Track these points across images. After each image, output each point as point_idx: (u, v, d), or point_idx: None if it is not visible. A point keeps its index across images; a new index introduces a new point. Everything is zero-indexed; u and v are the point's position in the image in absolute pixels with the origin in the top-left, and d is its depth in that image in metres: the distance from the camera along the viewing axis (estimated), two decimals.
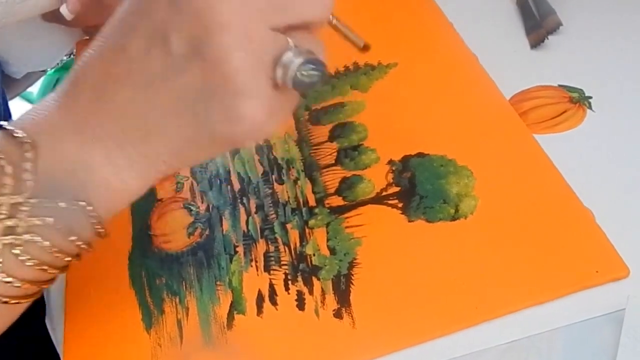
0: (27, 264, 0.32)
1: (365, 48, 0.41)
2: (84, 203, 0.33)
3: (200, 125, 0.32)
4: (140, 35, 0.31)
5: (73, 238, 0.33)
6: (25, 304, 0.35)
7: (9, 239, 0.32)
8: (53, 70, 0.74)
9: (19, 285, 0.33)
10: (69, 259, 0.34)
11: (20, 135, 0.32)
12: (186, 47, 0.30)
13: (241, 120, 0.31)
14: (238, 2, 0.29)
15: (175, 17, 0.30)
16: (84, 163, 0.33)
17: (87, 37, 0.65)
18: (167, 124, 0.32)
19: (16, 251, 0.32)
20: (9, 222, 0.32)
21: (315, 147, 0.48)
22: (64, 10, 0.49)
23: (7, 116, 0.63)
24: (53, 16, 0.51)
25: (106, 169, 0.33)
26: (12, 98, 0.73)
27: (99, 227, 0.34)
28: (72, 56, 0.67)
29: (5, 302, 0.33)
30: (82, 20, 0.52)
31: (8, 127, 0.33)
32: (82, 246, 0.34)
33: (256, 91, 0.31)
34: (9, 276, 0.32)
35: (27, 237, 0.32)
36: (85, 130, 0.33)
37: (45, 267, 0.33)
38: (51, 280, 0.36)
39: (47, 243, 0.33)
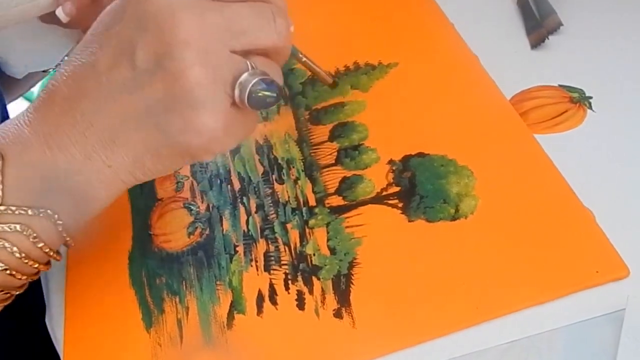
0: None
1: (334, 84, 0.48)
2: (50, 211, 0.35)
3: (161, 137, 0.34)
4: (109, 51, 0.34)
5: (41, 245, 0.35)
6: None
7: None
8: (53, 70, 0.74)
9: None
10: (37, 265, 0.36)
11: None
12: (150, 62, 0.33)
13: (199, 131, 0.33)
14: (198, 23, 0.32)
15: (141, 34, 0.33)
16: (50, 173, 0.35)
17: None
18: (131, 135, 0.34)
19: None
20: None
21: (315, 147, 0.48)
22: (59, 13, 0.49)
23: (5, 118, 0.63)
24: (51, 18, 0.51)
25: (72, 178, 0.35)
26: (13, 99, 0.73)
27: (65, 235, 0.36)
28: None
29: None
30: (80, 21, 0.52)
31: None
32: (51, 254, 0.36)
33: (214, 104, 0.33)
34: None
35: None
36: (52, 141, 0.35)
37: (14, 273, 0.35)
38: (21, 287, 0.38)
39: (15, 249, 0.35)
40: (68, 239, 0.37)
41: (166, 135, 0.34)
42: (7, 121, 0.37)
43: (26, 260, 0.35)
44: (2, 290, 0.36)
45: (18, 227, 0.34)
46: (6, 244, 0.34)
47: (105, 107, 0.34)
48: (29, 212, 0.35)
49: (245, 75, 0.33)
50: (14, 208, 0.34)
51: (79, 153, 0.35)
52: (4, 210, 0.34)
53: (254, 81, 0.33)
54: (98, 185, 0.36)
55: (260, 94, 0.33)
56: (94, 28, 0.35)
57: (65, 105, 0.35)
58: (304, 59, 0.46)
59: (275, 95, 0.34)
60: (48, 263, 0.37)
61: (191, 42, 0.32)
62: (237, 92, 0.33)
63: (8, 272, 0.35)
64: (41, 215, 0.35)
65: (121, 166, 0.35)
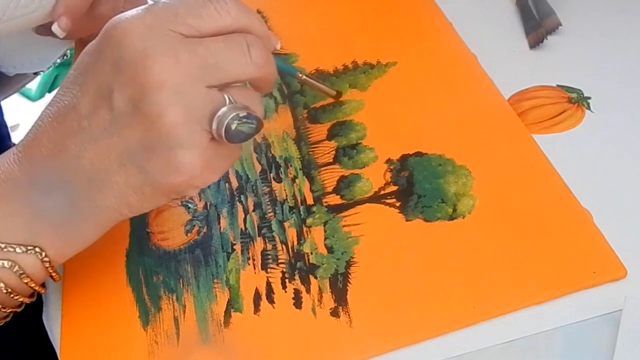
0: None
1: (338, 95, 0.49)
2: (38, 249, 0.36)
3: (143, 177, 0.35)
4: (88, 94, 0.34)
5: (27, 281, 0.36)
6: None
7: None
8: (43, 72, 0.74)
9: None
10: (22, 299, 0.37)
11: None
12: (127, 105, 0.33)
13: (179, 170, 0.34)
14: (172, 63, 0.33)
15: (117, 77, 0.33)
16: (39, 213, 0.36)
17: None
18: (115, 176, 0.35)
19: None
20: None
21: (313, 146, 0.48)
22: (55, 29, 0.48)
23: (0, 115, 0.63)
24: (47, 31, 0.50)
25: (59, 219, 0.36)
26: (6, 97, 0.72)
27: (52, 271, 0.37)
28: (64, 58, 0.66)
29: None
30: (76, 34, 0.51)
31: None
32: (36, 288, 0.37)
33: (191, 143, 0.33)
34: None
35: None
36: (39, 183, 0.36)
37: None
38: (6, 317, 0.39)
39: (1, 285, 0.36)
40: (54, 274, 0.38)
41: (148, 176, 0.35)
42: (1, 156, 0.38)
43: (12, 295, 0.36)
44: None
45: (6, 263, 0.36)
46: None
47: (88, 150, 0.35)
48: (17, 249, 0.36)
49: (222, 109, 0.34)
50: (2, 245, 0.35)
51: (64, 195, 0.35)
52: None
53: (232, 115, 0.33)
54: (85, 224, 0.37)
55: (237, 128, 0.34)
56: (75, 68, 0.36)
57: (51, 146, 0.35)
58: (304, 77, 0.46)
59: (254, 127, 0.34)
60: (32, 295, 0.38)
61: (165, 83, 0.32)
62: (214, 126, 0.34)
63: None
64: (29, 253, 0.36)
65: (108, 206, 0.36)
